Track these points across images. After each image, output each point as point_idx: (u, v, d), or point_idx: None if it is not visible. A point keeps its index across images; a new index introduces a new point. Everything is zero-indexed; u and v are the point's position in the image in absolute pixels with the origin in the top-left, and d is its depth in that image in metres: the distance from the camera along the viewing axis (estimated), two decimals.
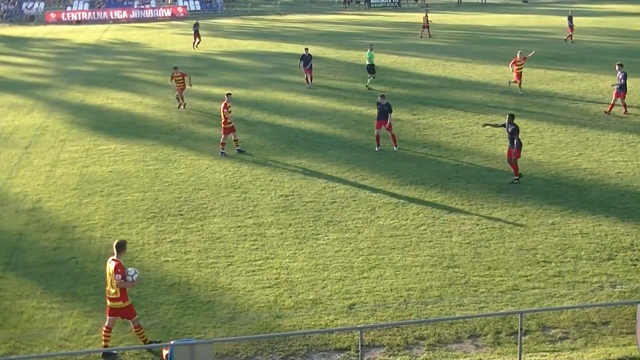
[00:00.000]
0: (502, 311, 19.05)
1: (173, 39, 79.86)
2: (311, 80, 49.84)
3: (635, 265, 21.65)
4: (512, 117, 29.12)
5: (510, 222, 25.04)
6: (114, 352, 17.61)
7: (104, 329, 17.76)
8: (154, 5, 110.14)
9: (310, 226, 25.17)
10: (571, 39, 68.23)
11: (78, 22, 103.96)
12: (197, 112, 42.74)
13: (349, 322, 18.82)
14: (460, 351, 17.54)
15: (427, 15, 76.26)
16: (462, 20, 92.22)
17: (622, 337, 17.85)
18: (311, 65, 49.56)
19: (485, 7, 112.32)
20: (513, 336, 17.85)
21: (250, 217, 26.05)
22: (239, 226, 25.24)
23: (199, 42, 70.84)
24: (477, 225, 24.90)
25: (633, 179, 29.03)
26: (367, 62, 49.13)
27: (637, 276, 20.96)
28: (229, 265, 22.28)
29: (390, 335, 18.15)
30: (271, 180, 30.07)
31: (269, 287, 20.80)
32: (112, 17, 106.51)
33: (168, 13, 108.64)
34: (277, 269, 21.93)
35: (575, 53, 60.72)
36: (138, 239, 24.44)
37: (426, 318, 18.91)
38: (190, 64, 61.33)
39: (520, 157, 29.13)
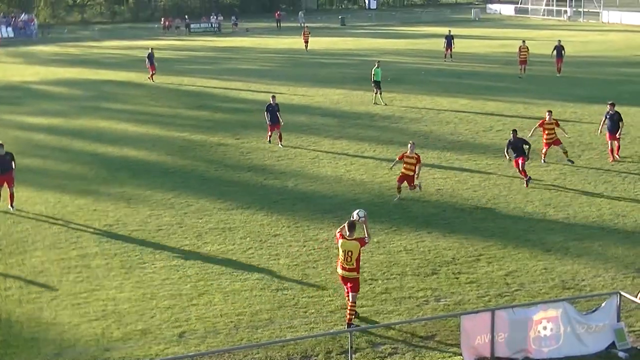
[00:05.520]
0: (332, 331, 19.20)
1: None
2: (281, 140, 38.82)
3: (457, 278, 22.31)
4: (613, 105, 34.02)
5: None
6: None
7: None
8: None
9: (136, 255, 24.72)
10: (448, 57, 71.21)
11: None
12: (13, 142, 41.29)
13: (180, 350, 18.52)
14: None
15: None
16: (282, 44, 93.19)
17: (447, 349, 18.29)
18: (279, 117, 38.51)
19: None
20: (344, 355, 17.98)
21: (74, 249, 25.36)
22: (63, 258, 24.52)
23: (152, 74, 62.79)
24: (304, 246, 25.09)
25: (452, 194, 29.96)
26: (375, 79, 49.51)
27: (459, 289, 21.60)
28: (53, 299, 21.57)
29: None
30: (94, 210, 29.40)
31: (96, 320, 20.26)
32: None
33: None
34: (103, 301, 21.40)
35: (392, 74, 62.25)
36: None
37: (257, 342, 18.86)
38: (4, 93, 59.41)
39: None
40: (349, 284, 19.56)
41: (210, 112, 48.54)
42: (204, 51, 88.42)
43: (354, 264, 19.38)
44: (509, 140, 31.50)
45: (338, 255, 19.81)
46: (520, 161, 30.76)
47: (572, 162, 33.50)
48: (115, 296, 21.70)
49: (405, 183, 29.40)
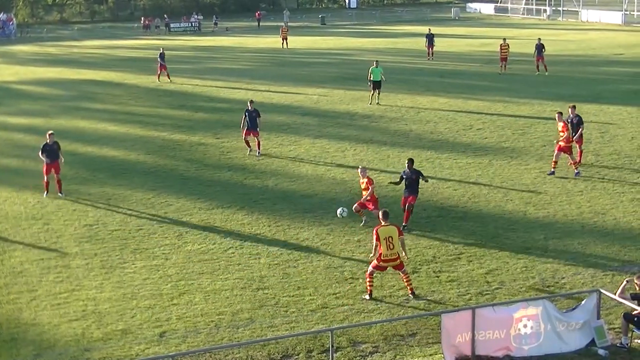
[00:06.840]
0: (313, 330, 19.19)
1: None
2: (259, 147, 37.17)
3: (438, 277, 22.36)
4: (574, 107, 33.06)
5: (317, 241, 25.34)
6: None
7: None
8: None
9: (116, 255, 24.64)
10: (431, 56, 71.13)
11: None
12: None
13: (160, 350, 18.48)
14: None
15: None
16: (262, 43, 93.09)
17: (428, 347, 18.33)
18: (258, 124, 36.76)
19: None
20: (325, 354, 18.00)
21: (53, 249, 25.24)
22: (42, 259, 24.40)
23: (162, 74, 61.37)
24: (285, 246, 25.07)
25: (433, 193, 29.97)
26: (374, 78, 48.99)
27: (440, 287, 21.64)
28: (32, 300, 21.47)
29: None
30: (74, 210, 29.28)
31: (76, 320, 20.19)
32: None
33: None
34: (83, 301, 21.32)
35: None
36: None
37: (238, 341, 18.84)
38: None
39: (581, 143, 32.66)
40: (395, 267, 21.02)
41: (190, 112, 48.43)
42: (184, 50, 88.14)
43: (396, 251, 20.71)
44: (404, 171, 26.91)
45: (378, 249, 20.66)
46: (409, 201, 26.34)
47: (579, 173, 31.53)
48: (96, 296, 21.62)
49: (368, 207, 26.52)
